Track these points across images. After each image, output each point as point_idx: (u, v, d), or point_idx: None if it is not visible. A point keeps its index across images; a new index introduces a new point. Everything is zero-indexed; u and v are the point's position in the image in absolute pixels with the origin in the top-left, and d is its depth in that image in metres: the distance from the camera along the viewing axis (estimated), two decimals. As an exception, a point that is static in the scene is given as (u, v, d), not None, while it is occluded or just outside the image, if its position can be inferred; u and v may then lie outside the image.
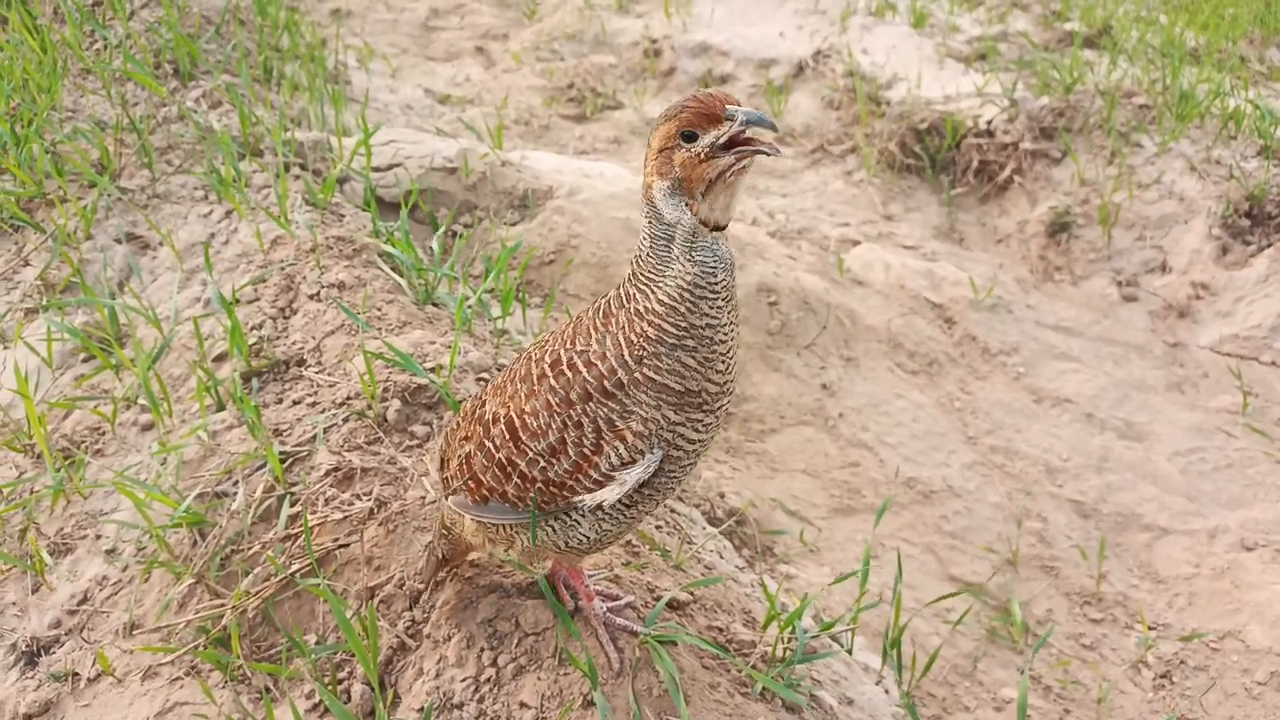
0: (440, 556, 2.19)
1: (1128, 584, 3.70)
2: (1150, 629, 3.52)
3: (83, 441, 3.04)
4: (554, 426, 1.77)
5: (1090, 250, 5.38)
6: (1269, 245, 5.01)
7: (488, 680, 2.08)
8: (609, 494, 1.77)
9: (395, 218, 4.10)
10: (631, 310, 1.73)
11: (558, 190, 4.70)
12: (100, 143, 4.04)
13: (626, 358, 1.72)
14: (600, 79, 7.09)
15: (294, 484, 2.57)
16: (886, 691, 2.70)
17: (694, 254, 1.69)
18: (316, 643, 2.29)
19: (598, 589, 2.26)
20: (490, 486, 1.90)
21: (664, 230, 1.71)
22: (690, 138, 1.67)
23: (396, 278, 3.42)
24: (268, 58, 5.21)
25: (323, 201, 3.83)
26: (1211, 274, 5.03)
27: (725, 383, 1.76)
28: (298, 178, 4.05)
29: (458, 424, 2.04)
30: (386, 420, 2.72)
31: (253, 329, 3.15)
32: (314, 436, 2.69)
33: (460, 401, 2.75)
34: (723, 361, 1.74)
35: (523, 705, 2.02)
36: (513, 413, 1.84)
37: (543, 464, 1.80)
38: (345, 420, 2.72)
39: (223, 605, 2.37)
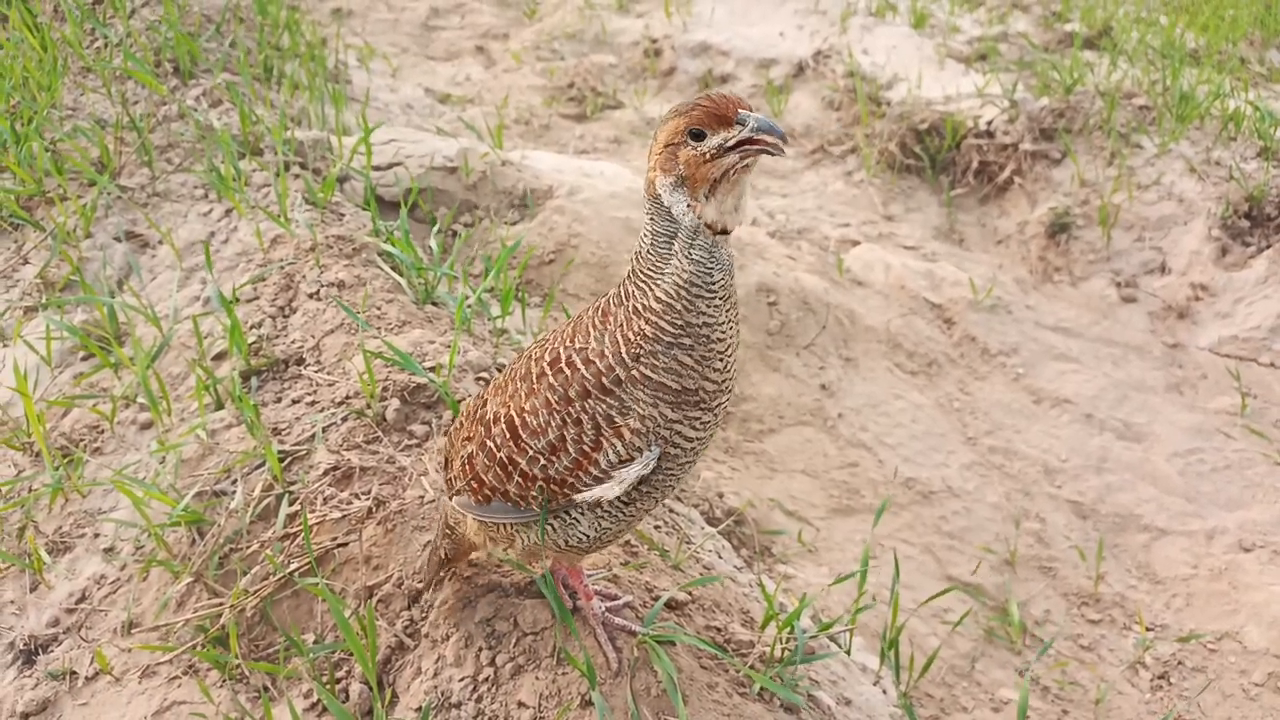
0: (443, 556, 2.19)
1: (1126, 585, 3.70)
2: (1148, 630, 3.52)
3: (81, 440, 3.04)
4: (553, 424, 1.78)
5: (1090, 251, 5.39)
6: (1268, 247, 5.02)
7: (486, 680, 2.08)
8: (607, 491, 1.77)
9: (395, 217, 4.10)
10: (630, 308, 1.73)
11: (558, 190, 4.70)
12: (100, 141, 4.04)
13: (624, 355, 1.72)
14: (600, 79, 7.09)
15: (293, 483, 2.57)
16: (884, 692, 2.70)
17: (692, 252, 1.69)
18: (315, 642, 2.29)
19: (596, 589, 2.26)
20: (492, 486, 1.90)
21: (665, 226, 1.71)
22: (698, 136, 1.65)
23: (396, 277, 3.42)
24: (268, 56, 5.21)
25: (322, 200, 3.83)
26: (1211, 275, 5.03)
27: (724, 381, 1.76)
28: (298, 176, 4.05)
29: (460, 424, 2.04)
30: (385, 419, 2.72)
31: (252, 328, 3.15)
32: (313, 435, 2.69)
33: (459, 401, 2.75)
34: (720, 360, 1.73)
35: (521, 705, 2.02)
36: (513, 411, 1.84)
37: (543, 462, 1.80)
38: (344, 419, 2.72)
39: (221, 604, 2.38)
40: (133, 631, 2.45)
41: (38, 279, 3.68)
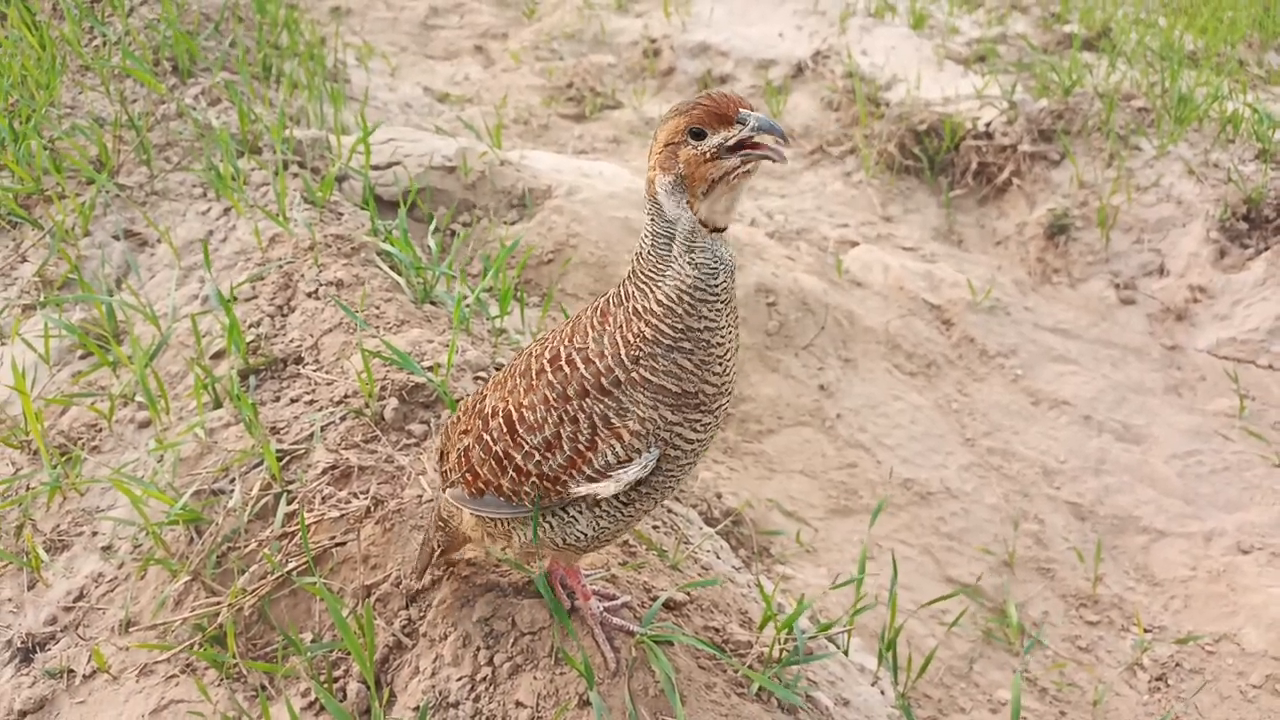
0: (434, 549, 2.19)
1: (1124, 586, 3.70)
2: (1146, 631, 3.52)
3: (80, 438, 3.04)
4: (550, 421, 1.78)
5: (1088, 253, 5.39)
6: (1266, 249, 5.02)
7: (484, 679, 2.08)
8: (603, 488, 1.77)
9: (394, 216, 4.10)
10: (630, 309, 1.73)
11: (556, 190, 4.70)
12: (99, 139, 4.03)
13: (623, 357, 1.72)
14: (599, 78, 7.09)
15: (291, 482, 2.57)
16: (882, 692, 2.70)
17: (693, 255, 1.69)
18: (312, 641, 2.29)
19: (594, 589, 2.26)
20: (486, 479, 1.90)
21: (665, 227, 1.70)
22: (699, 135, 1.65)
23: (395, 276, 3.42)
24: (267, 55, 5.20)
25: (321, 200, 3.83)
26: (1209, 277, 5.03)
27: (724, 383, 1.76)
28: (296, 176, 4.05)
29: (458, 418, 2.04)
30: (384, 419, 2.72)
31: (250, 327, 3.15)
32: (311, 434, 2.69)
33: (458, 400, 2.75)
34: (720, 363, 1.73)
35: (519, 704, 2.02)
36: (511, 406, 1.84)
37: (538, 458, 1.80)
38: (343, 418, 2.72)
39: (219, 603, 2.37)
40: (130, 630, 2.44)
41: (36, 277, 3.68)
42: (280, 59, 5.36)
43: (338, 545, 2.41)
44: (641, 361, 1.70)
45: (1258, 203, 5.11)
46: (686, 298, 1.68)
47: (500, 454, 1.86)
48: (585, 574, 2.33)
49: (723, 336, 1.72)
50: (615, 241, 4.48)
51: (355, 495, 2.51)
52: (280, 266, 3.37)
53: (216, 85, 4.65)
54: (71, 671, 2.41)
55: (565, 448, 1.77)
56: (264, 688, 2.25)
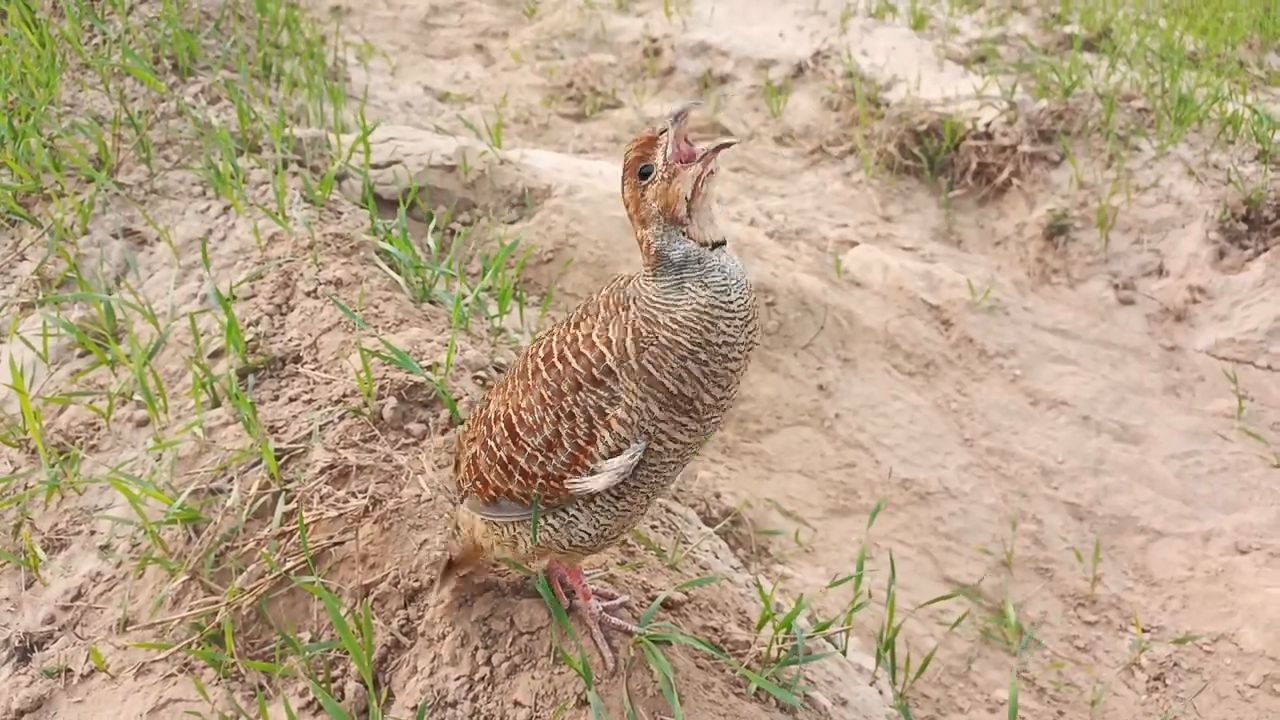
0: (451, 559, 2.18)
1: (1122, 586, 3.71)
2: (1144, 631, 3.53)
3: (78, 437, 3.04)
4: (548, 420, 1.78)
5: (1088, 253, 5.39)
6: (1266, 249, 5.02)
7: (482, 679, 2.08)
8: (592, 483, 1.77)
9: (393, 215, 4.09)
10: (643, 315, 1.72)
11: (556, 189, 4.70)
12: (98, 138, 4.03)
13: (627, 345, 1.72)
14: (600, 78, 7.09)
15: (289, 481, 2.56)
16: (880, 692, 2.70)
17: (705, 278, 1.70)
18: (310, 640, 2.29)
19: (593, 588, 2.26)
20: (496, 486, 1.90)
21: (673, 276, 1.72)
22: (648, 172, 1.72)
23: (394, 275, 3.42)
24: (267, 54, 5.20)
25: (321, 198, 3.83)
26: (1208, 278, 5.03)
27: (721, 399, 1.76)
28: (296, 174, 4.04)
29: (468, 426, 2.05)
30: (382, 418, 2.72)
31: (249, 325, 3.15)
32: (310, 434, 2.69)
33: (457, 400, 2.75)
34: (727, 379, 1.73)
35: (517, 704, 2.02)
36: (510, 410, 1.85)
37: (541, 459, 1.81)
38: (341, 418, 2.72)
39: (217, 602, 2.37)
40: (128, 629, 2.44)
41: (35, 275, 3.68)
42: (280, 57, 5.35)
43: (336, 544, 2.41)
44: (647, 355, 1.70)
45: (1257, 204, 5.11)
46: (705, 316, 1.69)
47: (505, 459, 1.86)
48: (584, 574, 2.33)
49: (737, 353, 1.72)
50: (615, 241, 4.47)
51: (353, 494, 2.51)
52: (279, 265, 3.37)
53: (216, 84, 4.65)
54: (69, 670, 2.41)
55: (566, 445, 1.77)
56: (262, 687, 2.25)
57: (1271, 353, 4.70)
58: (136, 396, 3.04)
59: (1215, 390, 4.63)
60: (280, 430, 2.73)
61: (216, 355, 3.10)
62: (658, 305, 1.72)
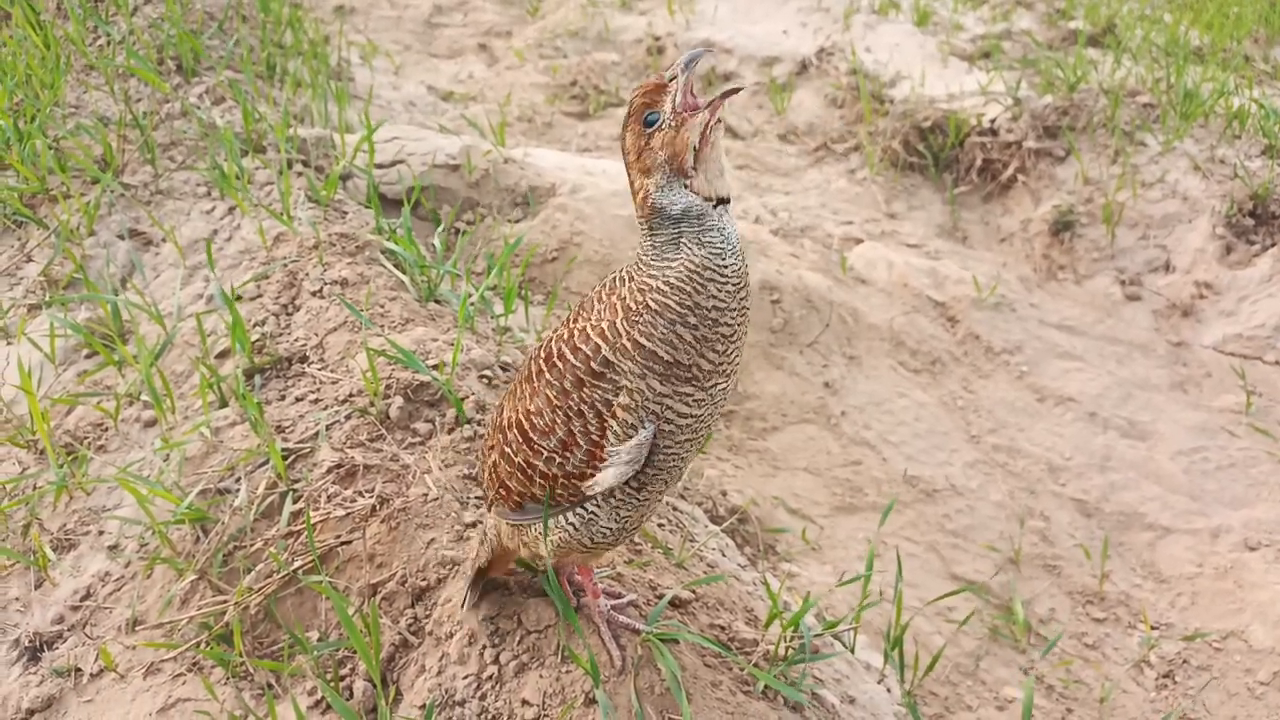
0: (481, 567, 2.17)
1: (1130, 583, 3.70)
2: (1153, 628, 3.52)
3: (85, 437, 3.04)
4: (559, 421, 1.77)
5: (1094, 249, 5.38)
6: (1273, 244, 5.00)
7: (490, 678, 2.08)
8: (608, 477, 1.76)
9: (398, 215, 4.10)
10: (636, 285, 1.71)
11: (560, 188, 4.70)
12: (103, 139, 4.04)
13: (619, 324, 1.70)
14: (603, 76, 7.08)
15: (296, 481, 2.57)
16: (888, 690, 2.70)
17: (703, 237, 1.68)
18: (319, 640, 2.29)
19: (600, 587, 2.26)
20: (520, 491, 1.89)
21: (670, 231, 1.69)
22: (654, 120, 1.68)
23: (399, 275, 3.42)
24: (271, 54, 5.21)
25: (325, 198, 3.83)
26: (1215, 273, 5.02)
27: (720, 364, 1.72)
28: (300, 174, 4.05)
29: (487, 434, 2.04)
30: (389, 417, 2.72)
31: (255, 325, 3.15)
32: (316, 433, 2.69)
33: (463, 399, 2.75)
34: (723, 343, 1.70)
35: (525, 703, 2.02)
36: (520, 415, 1.84)
37: (559, 460, 1.79)
38: (348, 417, 2.72)
39: (225, 602, 2.38)
40: (137, 629, 2.45)
41: (41, 277, 3.68)
42: (284, 58, 5.36)
43: (343, 544, 2.42)
44: (639, 326, 1.68)
45: (1264, 199, 5.09)
46: (696, 277, 1.66)
47: (523, 464, 1.85)
48: (593, 572, 2.32)
49: (730, 319, 1.69)
50: (619, 239, 4.47)
51: (361, 494, 2.51)
52: (285, 265, 3.37)
53: (221, 84, 4.65)
54: (79, 670, 2.42)
55: (581, 443, 1.76)
56: (270, 686, 2.25)
57: (1279, 348, 4.68)
58: (144, 397, 3.05)
59: (1223, 386, 4.62)
60: (287, 430, 2.74)
61: (223, 355, 3.10)
62: (653, 265, 1.70)
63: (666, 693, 2.04)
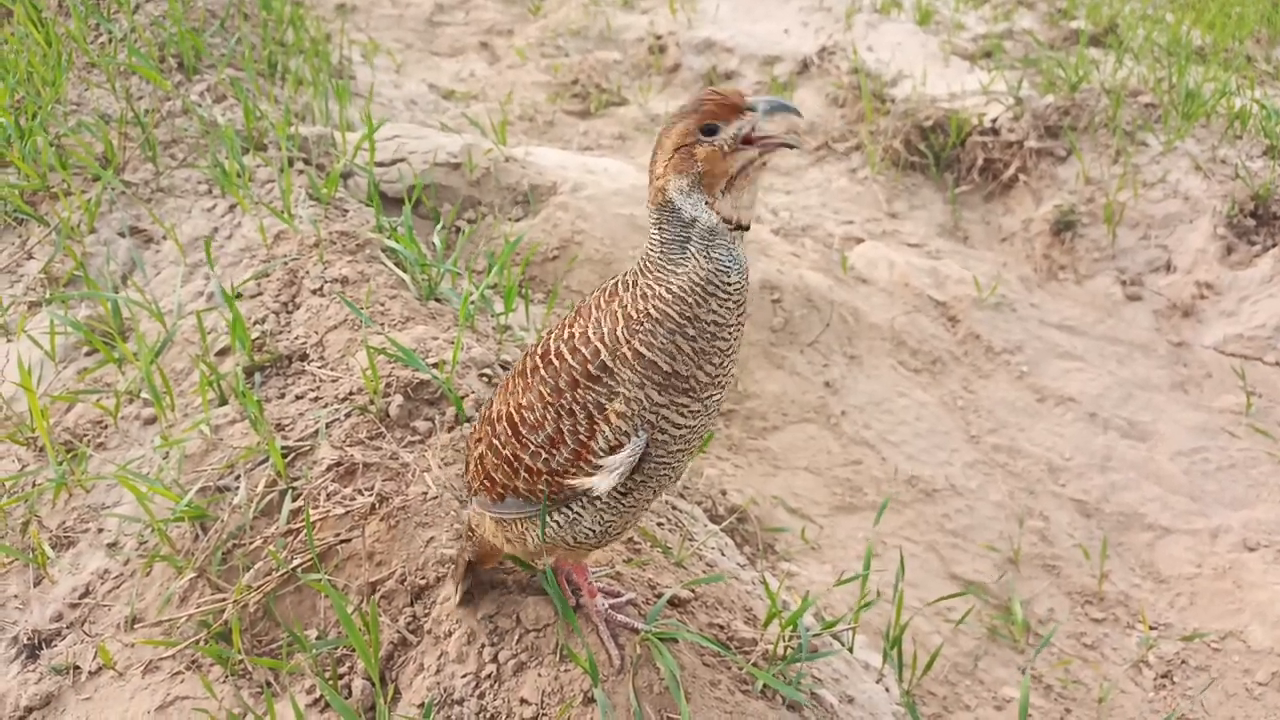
0: (468, 561, 2.18)
1: (1129, 583, 3.69)
2: (1152, 629, 3.52)
3: (85, 435, 3.04)
4: (549, 417, 1.78)
5: (1095, 249, 5.37)
6: (1274, 245, 5.00)
7: (488, 676, 2.08)
8: (598, 482, 1.77)
9: (399, 213, 4.10)
10: (638, 292, 1.72)
11: (561, 186, 4.70)
12: (104, 136, 4.04)
13: (619, 333, 1.71)
14: (605, 75, 7.08)
15: (296, 479, 2.57)
16: (887, 690, 2.70)
17: (711, 251, 1.68)
18: (317, 638, 2.29)
19: (599, 585, 2.26)
20: (503, 484, 1.90)
21: (678, 232, 1.69)
22: (712, 131, 1.65)
23: (400, 273, 3.42)
24: (272, 52, 5.20)
25: (326, 196, 3.83)
26: (1216, 273, 5.01)
27: (717, 376, 1.74)
28: (301, 172, 4.05)
29: (475, 428, 2.05)
30: (389, 416, 2.72)
31: (255, 323, 3.15)
32: (316, 431, 2.69)
33: (463, 398, 2.75)
34: (720, 357, 1.72)
35: (523, 701, 2.02)
36: (511, 408, 1.85)
37: (545, 455, 1.81)
38: (347, 415, 2.72)
39: (224, 600, 2.38)
40: (136, 626, 2.45)
41: (42, 274, 3.69)
42: (285, 56, 5.36)
43: (343, 542, 2.42)
44: (639, 335, 1.69)
45: (1265, 199, 5.09)
46: (699, 289, 1.67)
47: (510, 457, 1.86)
48: (591, 571, 2.33)
49: (728, 334, 1.72)
50: (620, 238, 4.47)
51: (360, 492, 2.51)
52: (285, 263, 3.37)
53: (222, 82, 4.65)
54: (77, 668, 2.42)
55: (569, 441, 1.77)
56: (269, 684, 2.25)
57: (1279, 349, 4.68)
58: (143, 394, 3.05)
59: (1223, 386, 4.61)
60: (287, 428, 2.74)
61: (223, 353, 3.10)
62: (657, 270, 1.70)
63: (665, 692, 2.04)
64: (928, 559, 3.63)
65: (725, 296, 1.69)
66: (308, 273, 3.32)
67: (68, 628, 2.53)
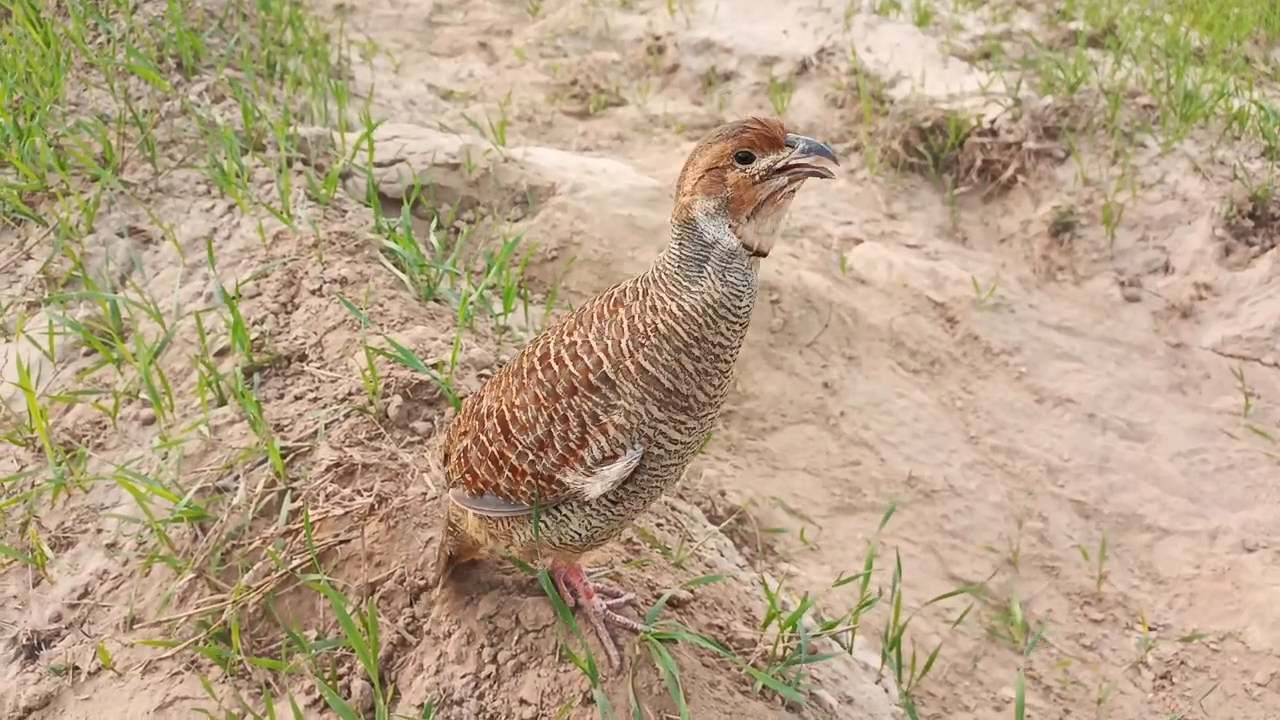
0: (449, 554, 2.19)
1: (1128, 584, 3.70)
2: (1150, 630, 3.52)
3: (84, 435, 3.04)
4: (541, 420, 1.78)
5: (1093, 250, 5.38)
6: (1272, 246, 5.01)
7: (488, 677, 2.08)
8: (589, 488, 1.77)
9: (398, 213, 4.09)
10: (647, 304, 1.72)
11: (560, 187, 4.70)
12: (103, 136, 4.03)
13: (623, 345, 1.71)
14: (603, 75, 7.08)
15: (295, 479, 2.57)
16: (886, 690, 2.70)
17: (727, 274, 1.69)
18: (317, 638, 2.29)
19: (598, 586, 2.26)
20: (485, 480, 1.91)
21: (698, 250, 1.70)
22: (746, 159, 1.66)
23: (399, 274, 3.42)
24: (271, 52, 5.20)
25: (325, 197, 3.83)
26: (1214, 275, 5.02)
27: (715, 396, 1.76)
28: (300, 173, 4.05)
29: (459, 420, 2.05)
30: (388, 416, 2.72)
31: (255, 324, 3.15)
32: (315, 432, 2.69)
33: (461, 398, 2.75)
34: (720, 377, 1.74)
35: (523, 702, 2.02)
36: (504, 406, 1.85)
37: (531, 457, 1.81)
38: (346, 416, 2.72)
39: (223, 600, 2.38)
40: (135, 627, 2.45)
41: (40, 274, 3.68)
42: (284, 56, 5.36)
43: (342, 543, 2.42)
44: (644, 349, 1.70)
45: (1264, 200, 5.10)
46: (710, 311, 1.69)
47: (496, 454, 1.87)
48: (589, 572, 2.33)
49: (730, 355, 1.74)
50: (619, 239, 4.47)
51: (359, 493, 2.51)
52: (284, 264, 3.37)
53: (221, 82, 4.65)
54: (76, 668, 2.42)
55: (557, 446, 1.78)
56: (268, 684, 2.25)
57: (1278, 350, 4.69)
58: (142, 395, 3.05)
59: (1221, 387, 4.62)
60: (286, 428, 2.74)
61: (222, 354, 3.10)
62: (671, 283, 1.70)
63: (664, 692, 2.04)
64: (926, 560, 3.63)
65: (734, 320, 1.70)
66: (307, 273, 3.32)
67: (67, 628, 2.53)
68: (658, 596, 2.31)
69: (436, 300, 3.38)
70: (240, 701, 2.21)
